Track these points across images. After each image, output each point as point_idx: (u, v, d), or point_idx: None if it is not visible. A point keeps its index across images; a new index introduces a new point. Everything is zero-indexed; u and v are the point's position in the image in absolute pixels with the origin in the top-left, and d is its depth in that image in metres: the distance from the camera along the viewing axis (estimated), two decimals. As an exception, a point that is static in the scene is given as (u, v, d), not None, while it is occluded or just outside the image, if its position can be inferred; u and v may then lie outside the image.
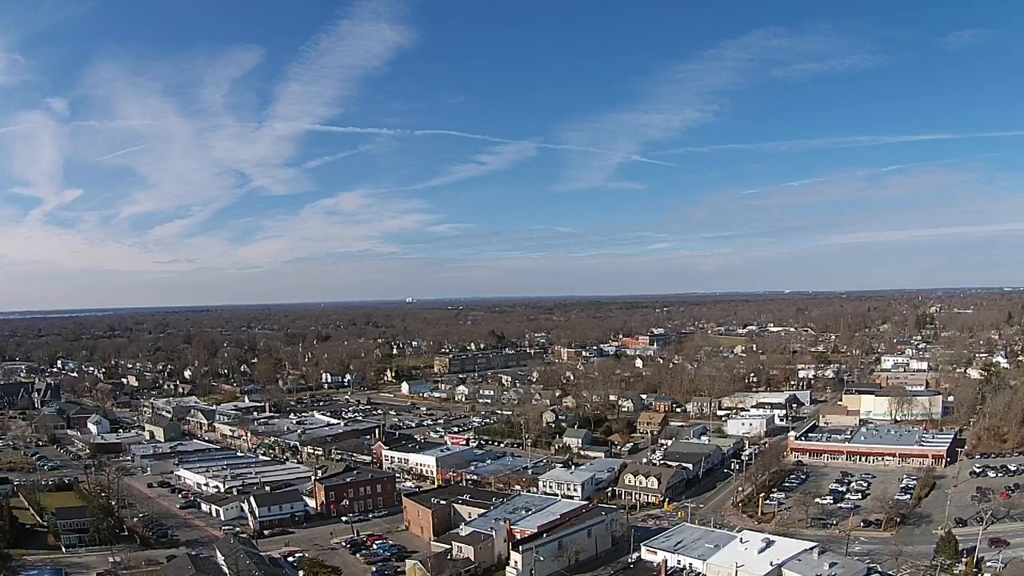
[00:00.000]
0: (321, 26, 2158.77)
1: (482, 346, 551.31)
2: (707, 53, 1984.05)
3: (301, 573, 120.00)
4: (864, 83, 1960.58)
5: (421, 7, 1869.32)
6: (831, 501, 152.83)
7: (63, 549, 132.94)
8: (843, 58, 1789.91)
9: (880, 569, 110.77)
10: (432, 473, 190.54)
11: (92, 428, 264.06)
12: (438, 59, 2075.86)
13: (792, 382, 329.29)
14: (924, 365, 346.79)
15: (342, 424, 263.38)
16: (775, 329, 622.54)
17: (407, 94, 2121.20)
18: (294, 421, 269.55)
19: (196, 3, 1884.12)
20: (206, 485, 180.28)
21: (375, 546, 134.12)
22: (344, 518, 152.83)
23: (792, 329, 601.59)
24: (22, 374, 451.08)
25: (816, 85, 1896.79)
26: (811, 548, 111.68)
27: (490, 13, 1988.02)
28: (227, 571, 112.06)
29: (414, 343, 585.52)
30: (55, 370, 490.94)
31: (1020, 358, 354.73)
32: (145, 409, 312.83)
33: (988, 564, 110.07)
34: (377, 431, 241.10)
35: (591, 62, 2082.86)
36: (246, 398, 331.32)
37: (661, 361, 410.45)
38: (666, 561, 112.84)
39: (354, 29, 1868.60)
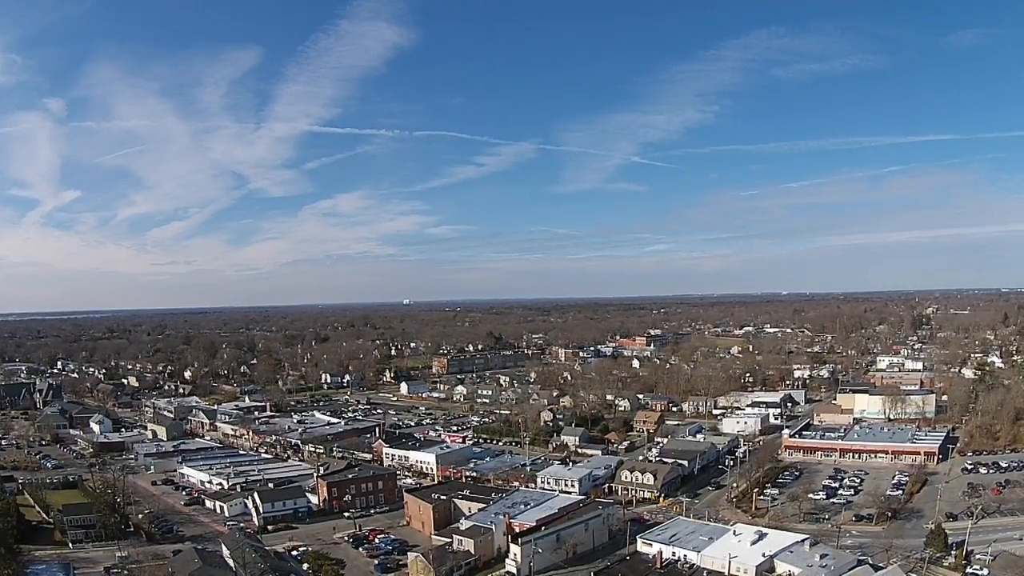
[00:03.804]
0: (320, 26, 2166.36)
1: (480, 347, 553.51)
2: (708, 53, 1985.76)
3: (306, 566, 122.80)
4: (865, 83, 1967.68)
5: (420, 7, 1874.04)
6: (824, 497, 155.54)
7: (70, 545, 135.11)
8: (845, 58, 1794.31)
9: (871, 561, 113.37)
10: (432, 470, 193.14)
11: (95, 427, 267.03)
12: (437, 59, 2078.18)
13: (788, 382, 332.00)
14: (919, 365, 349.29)
15: (342, 423, 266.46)
16: (772, 330, 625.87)
17: (406, 95, 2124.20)
18: (295, 420, 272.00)
19: (194, 3, 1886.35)
20: (209, 482, 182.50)
21: (377, 540, 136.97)
22: (346, 514, 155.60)
23: (789, 330, 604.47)
24: (23, 375, 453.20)
25: (817, 85, 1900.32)
26: (803, 540, 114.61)
27: (489, 13, 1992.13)
28: (233, 564, 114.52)
29: (412, 344, 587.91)
30: (55, 371, 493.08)
31: (1015, 358, 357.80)
32: (147, 409, 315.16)
33: (978, 557, 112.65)
34: (377, 430, 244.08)
35: (591, 63, 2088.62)
36: (247, 398, 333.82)
37: (658, 362, 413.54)
38: (661, 553, 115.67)
39: (353, 29, 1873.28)
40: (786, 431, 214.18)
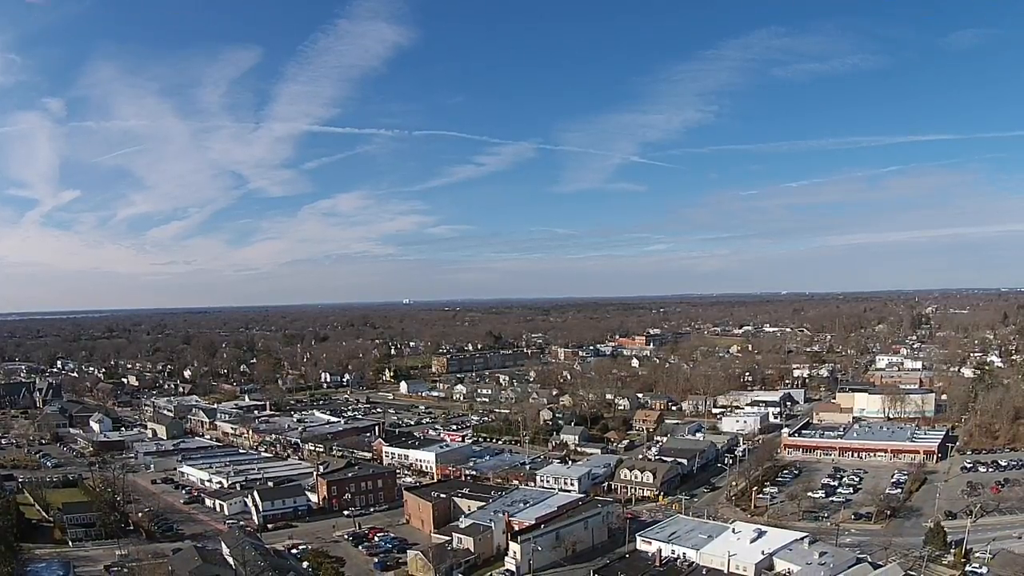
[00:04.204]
0: (319, 25, 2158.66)
1: (480, 347, 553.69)
2: (708, 53, 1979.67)
3: (306, 564, 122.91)
4: (865, 83, 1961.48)
5: (420, 6, 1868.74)
6: (823, 495, 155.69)
7: (70, 543, 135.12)
8: (845, 58, 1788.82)
9: (870, 559, 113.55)
10: (431, 469, 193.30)
11: (94, 426, 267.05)
12: (437, 59, 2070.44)
13: (787, 381, 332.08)
14: (919, 364, 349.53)
15: (342, 422, 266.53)
16: (771, 329, 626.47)
17: (405, 94, 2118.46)
18: (295, 419, 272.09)
19: (194, 3, 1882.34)
20: (209, 481, 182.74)
21: (377, 538, 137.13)
22: (346, 512, 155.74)
23: (788, 329, 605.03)
24: (22, 374, 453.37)
25: (817, 85, 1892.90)
26: (802, 538, 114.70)
27: (489, 13, 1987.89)
28: (232, 562, 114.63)
29: (412, 344, 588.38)
30: (55, 370, 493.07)
31: (1014, 357, 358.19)
32: (147, 408, 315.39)
33: (977, 555, 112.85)
34: (377, 428, 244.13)
35: (591, 62, 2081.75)
36: (246, 397, 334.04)
37: (657, 361, 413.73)
38: (660, 551, 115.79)
39: (352, 28, 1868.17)
40: (785, 430, 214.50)
